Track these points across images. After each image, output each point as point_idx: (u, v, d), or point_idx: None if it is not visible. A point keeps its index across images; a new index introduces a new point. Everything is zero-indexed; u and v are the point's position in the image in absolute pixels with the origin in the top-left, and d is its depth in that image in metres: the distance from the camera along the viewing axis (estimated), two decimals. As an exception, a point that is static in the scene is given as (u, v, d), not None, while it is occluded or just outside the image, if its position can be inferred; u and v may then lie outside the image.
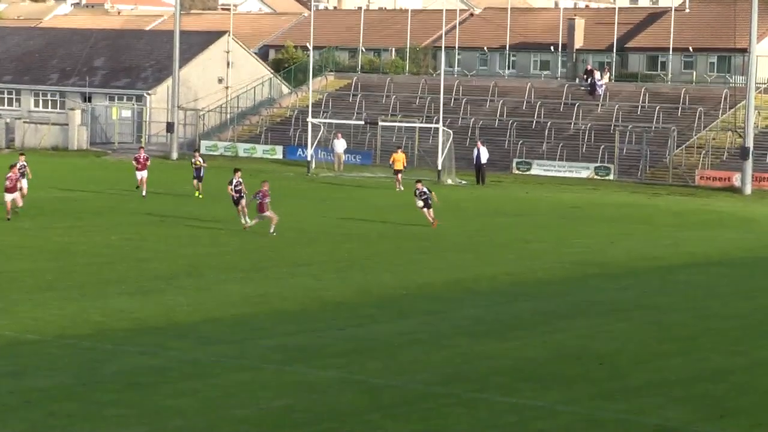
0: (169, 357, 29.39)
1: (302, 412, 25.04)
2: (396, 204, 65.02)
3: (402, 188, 70.16)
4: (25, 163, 57.23)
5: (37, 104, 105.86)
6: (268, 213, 50.46)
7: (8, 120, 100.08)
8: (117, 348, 30.23)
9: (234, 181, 53.47)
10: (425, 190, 55.15)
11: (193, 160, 68.26)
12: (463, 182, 78.97)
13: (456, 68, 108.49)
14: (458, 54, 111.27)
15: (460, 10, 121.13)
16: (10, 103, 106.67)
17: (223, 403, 25.48)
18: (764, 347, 32.39)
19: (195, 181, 66.85)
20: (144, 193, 63.94)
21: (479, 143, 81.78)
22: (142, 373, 27.95)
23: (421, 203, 55.14)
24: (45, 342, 30.59)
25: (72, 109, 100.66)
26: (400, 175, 72.15)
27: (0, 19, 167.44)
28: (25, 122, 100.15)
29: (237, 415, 24.67)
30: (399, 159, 72.59)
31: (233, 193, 53.48)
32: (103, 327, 32.53)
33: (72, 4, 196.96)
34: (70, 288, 37.89)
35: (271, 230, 50.51)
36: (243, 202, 53.17)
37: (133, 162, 66.64)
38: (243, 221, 52.19)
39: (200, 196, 65.65)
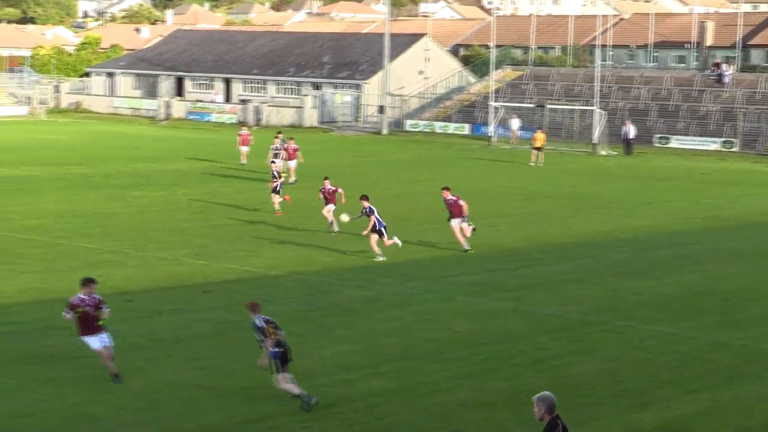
0: (379, 290, 29.64)
1: (483, 334, 25.08)
2: (553, 171, 64.45)
3: (539, 164, 67.90)
4: (283, 142, 55.21)
5: (278, 91, 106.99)
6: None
7: (257, 104, 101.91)
8: (339, 282, 30.60)
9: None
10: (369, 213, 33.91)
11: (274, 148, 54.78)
12: (614, 153, 77.88)
13: (608, 62, 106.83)
14: (610, 50, 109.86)
15: (613, 15, 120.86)
16: (257, 91, 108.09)
17: (421, 326, 25.63)
18: None
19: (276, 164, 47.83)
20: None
21: (627, 122, 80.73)
22: (358, 301, 28.27)
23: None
24: (283, 276, 31.10)
25: (305, 95, 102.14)
26: (539, 152, 69.53)
27: (251, 25, 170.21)
28: (269, 106, 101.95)
29: (433, 336, 24.80)
30: (539, 138, 71.10)
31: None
32: (328, 266, 32.94)
33: (306, 13, 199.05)
34: (305, 235, 38.36)
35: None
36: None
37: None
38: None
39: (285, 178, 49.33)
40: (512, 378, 21.50)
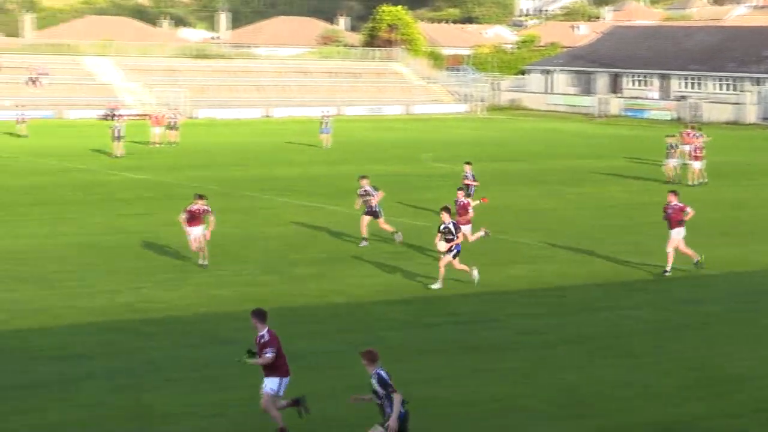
0: None
1: None
2: None
3: None
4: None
5: (716, 87, 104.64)
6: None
7: (694, 100, 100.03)
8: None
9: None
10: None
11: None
12: None
13: None
14: None
15: None
16: (695, 87, 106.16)
17: None
18: None
19: None
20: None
21: None
22: None
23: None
24: (716, 276, 30.33)
25: (745, 91, 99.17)
26: None
27: (689, 20, 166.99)
28: (707, 102, 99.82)
29: None
30: None
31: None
32: (727, 264, 31.81)
33: (748, 7, 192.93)
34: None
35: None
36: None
37: None
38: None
39: None
40: None
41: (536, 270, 30.63)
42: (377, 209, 33.90)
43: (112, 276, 28.96)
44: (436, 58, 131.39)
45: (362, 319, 25.07)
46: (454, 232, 27.85)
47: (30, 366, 20.92)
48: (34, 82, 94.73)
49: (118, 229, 36.64)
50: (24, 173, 52.53)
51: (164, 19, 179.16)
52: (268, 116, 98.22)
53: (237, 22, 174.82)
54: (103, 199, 43.59)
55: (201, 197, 30.73)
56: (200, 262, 30.56)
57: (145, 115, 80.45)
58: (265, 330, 17.10)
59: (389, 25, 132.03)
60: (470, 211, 32.95)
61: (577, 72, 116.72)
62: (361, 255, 32.42)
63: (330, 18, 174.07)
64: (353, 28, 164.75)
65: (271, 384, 17.11)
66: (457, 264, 28.14)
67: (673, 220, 29.96)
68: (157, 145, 66.42)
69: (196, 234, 30.30)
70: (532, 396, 19.64)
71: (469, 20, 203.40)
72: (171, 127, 68.37)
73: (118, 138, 59.88)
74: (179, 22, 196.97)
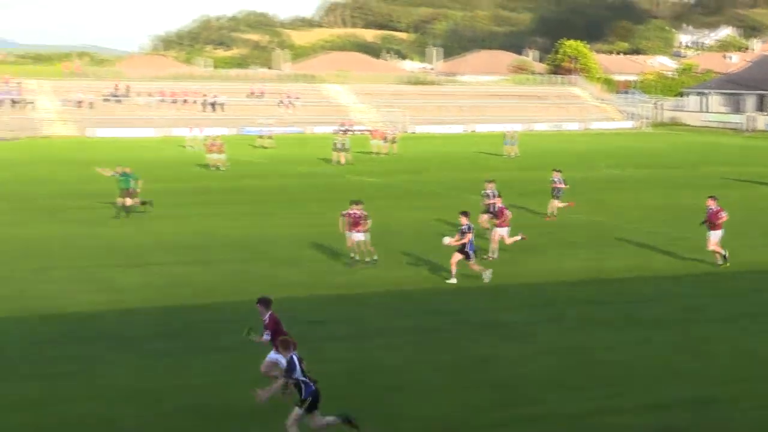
0: None
1: None
2: None
3: None
4: None
5: None
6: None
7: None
8: None
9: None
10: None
11: None
12: None
13: None
14: None
15: None
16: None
17: None
18: None
19: None
20: None
21: None
22: None
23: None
24: None
25: None
26: None
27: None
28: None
29: None
30: None
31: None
32: None
33: None
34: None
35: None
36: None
37: None
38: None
39: None
40: None
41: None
42: (495, 210, 31.93)
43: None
44: (608, 83, 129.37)
45: (549, 297, 24.80)
46: (467, 233, 25.70)
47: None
48: (286, 105, 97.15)
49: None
50: (272, 176, 53.32)
51: (388, 53, 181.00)
52: (469, 131, 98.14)
53: (446, 55, 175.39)
54: (337, 198, 44.03)
55: (357, 203, 28.15)
56: (366, 259, 27.86)
57: (368, 130, 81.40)
58: (267, 315, 16.46)
59: (570, 57, 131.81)
60: (507, 214, 29.98)
61: (728, 94, 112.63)
62: (546, 244, 32.08)
63: (520, 51, 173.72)
64: (540, 59, 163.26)
65: (271, 355, 16.48)
66: (473, 265, 26.04)
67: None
68: (378, 155, 66.82)
69: (358, 238, 27.74)
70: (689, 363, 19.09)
71: (636, 51, 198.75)
72: (389, 140, 68.83)
73: (342, 149, 60.50)
74: (400, 55, 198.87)
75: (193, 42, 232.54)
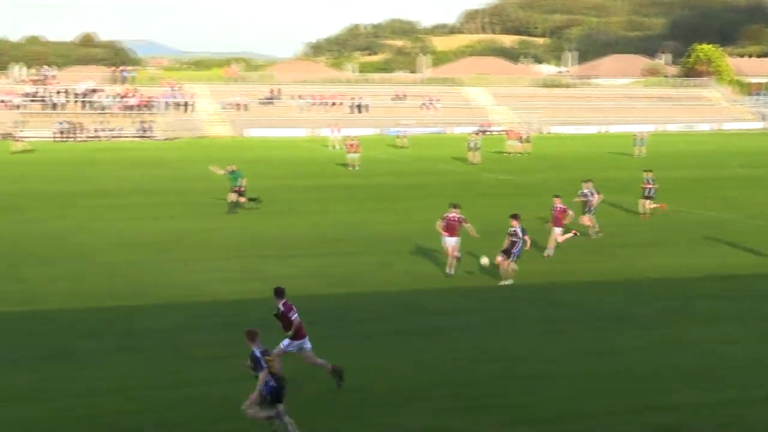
0: None
1: None
2: None
3: None
4: None
5: None
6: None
7: None
8: None
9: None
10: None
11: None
12: None
13: None
14: None
15: None
16: None
17: None
18: None
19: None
20: None
21: None
22: None
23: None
24: None
25: None
26: None
27: None
28: None
29: None
30: None
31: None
32: None
33: None
34: None
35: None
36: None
37: None
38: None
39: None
40: None
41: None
42: (593, 209, 31.43)
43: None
44: (740, 85, 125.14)
45: (676, 291, 24.19)
46: (520, 236, 24.37)
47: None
48: (428, 107, 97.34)
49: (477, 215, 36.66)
50: (408, 174, 53.22)
51: (525, 57, 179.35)
52: (603, 132, 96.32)
53: (581, 59, 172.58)
54: (478, 194, 43.79)
55: (455, 206, 25.84)
56: (447, 270, 25.53)
57: (504, 130, 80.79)
58: (281, 303, 16.30)
59: (702, 60, 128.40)
60: (570, 214, 28.76)
61: None
62: (661, 240, 31.30)
63: (653, 55, 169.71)
64: (673, 62, 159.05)
65: (284, 343, 16.38)
66: (509, 264, 24.48)
67: None
68: (512, 155, 66.08)
69: (451, 243, 25.47)
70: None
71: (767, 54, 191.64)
72: (523, 140, 68.21)
73: (475, 149, 60.36)
74: (536, 59, 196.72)
75: (341, 48, 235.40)
